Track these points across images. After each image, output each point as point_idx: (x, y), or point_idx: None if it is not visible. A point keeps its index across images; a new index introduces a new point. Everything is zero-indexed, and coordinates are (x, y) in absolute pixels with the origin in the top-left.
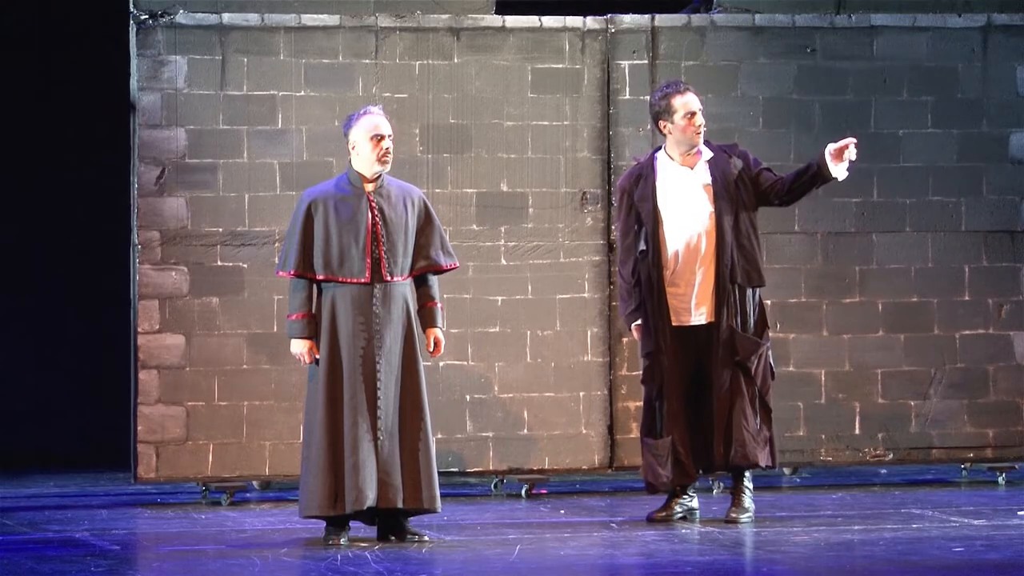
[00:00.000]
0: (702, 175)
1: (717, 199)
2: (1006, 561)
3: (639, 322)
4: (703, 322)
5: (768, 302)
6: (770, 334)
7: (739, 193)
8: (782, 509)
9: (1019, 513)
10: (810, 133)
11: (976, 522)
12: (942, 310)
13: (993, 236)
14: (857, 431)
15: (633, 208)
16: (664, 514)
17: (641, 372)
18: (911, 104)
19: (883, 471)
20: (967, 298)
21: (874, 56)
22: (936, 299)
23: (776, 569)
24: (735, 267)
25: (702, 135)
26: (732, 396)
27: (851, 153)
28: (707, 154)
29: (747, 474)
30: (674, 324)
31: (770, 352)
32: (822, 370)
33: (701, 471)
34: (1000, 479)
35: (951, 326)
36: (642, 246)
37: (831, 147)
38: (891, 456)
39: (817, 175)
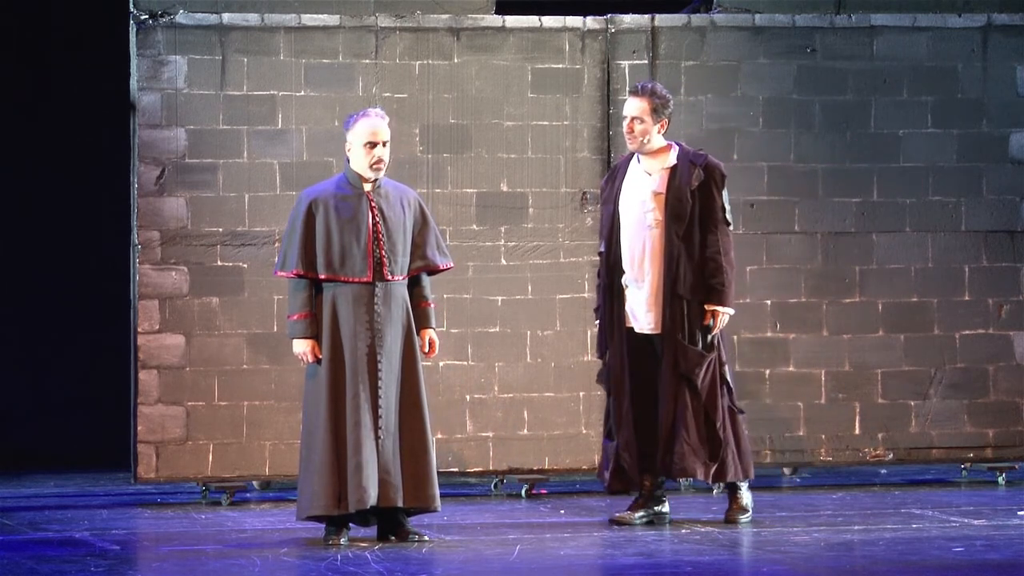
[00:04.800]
0: (657, 183)
1: (667, 209)
2: (1006, 561)
3: (598, 322)
4: (650, 331)
5: (768, 302)
6: (723, 347)
7: (694, 206)
8: (782, 509)
9: (1019, 513)
10: (810, 133)
11: (976, 522)
12: (942, 310)
13: (993, 236)
14: (857, 431)
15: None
16: (628, 515)
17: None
18: (911, 104)
19: (883, 471)
20: (967, 298)
21: (874, 56)
22: (936, 299)
23: (776, 569)
24: (679, 279)
25: (635, 141)
26: (675, 407)
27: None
28: (671, 161)
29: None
30: (631, 328)
31: (725, 367)
32: (822, 370)
33: (653, 479)
34: (1000, 479)
35: (951, 326)
36: (601, 247)
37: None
38: (891, 456)
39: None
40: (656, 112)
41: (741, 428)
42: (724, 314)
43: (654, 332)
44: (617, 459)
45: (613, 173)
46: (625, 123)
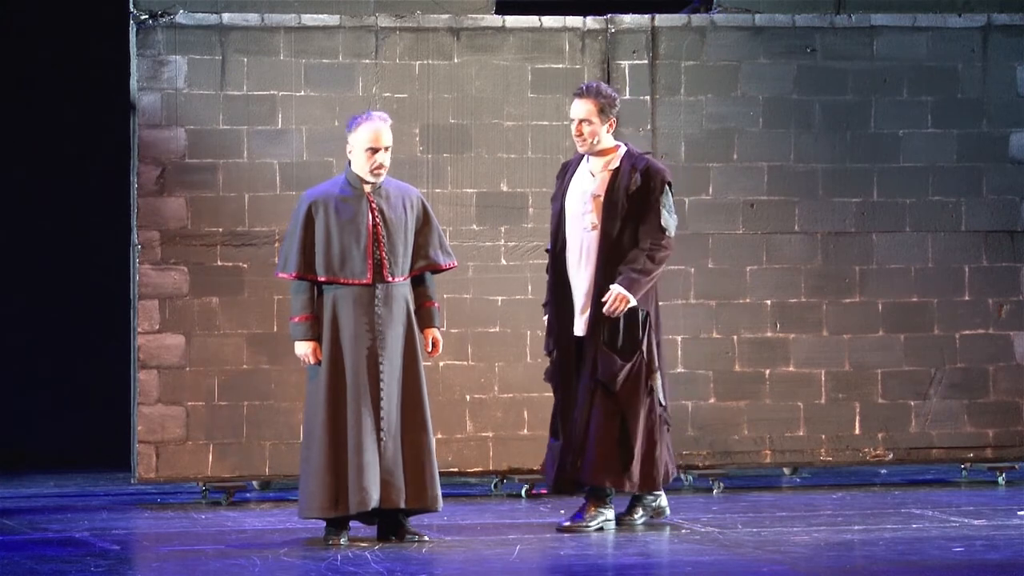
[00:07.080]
0: (597, 185)
1: (604, 212)
2: (1006, 561)
3: (545, 318)
4: (581, 333)
5: (768, 302)
6: (658, 355)
7: (632, 209)
8: (782, 509)
9: (1019, 513)
10: (810, 133)
11: (976, 522)
12: (942, 310)
13: (993, 236)
14: (857, 431)
15: None
16: (627, 518)
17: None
18: (911, 104)
19: (883, 471)
20: (967, 298)
21: (874, 56)
22: (936, 299)
23: (776, 569)
24: (607, 284)
25: (585, 144)
26: (590, 412)
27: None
28: (615, 163)
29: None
30: (572, 329)
31: (656, 375)
32: (822, 370)
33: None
34: (1000, 479)
35: (951, 326)
36: (548, 245)
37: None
38: (891, 456)
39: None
40: (603, 112)
41: (654, 440)
42: (623, 299)
43: (584, 335)
44: (563, 459)
45: (564, 170)
46: (573, 126)
